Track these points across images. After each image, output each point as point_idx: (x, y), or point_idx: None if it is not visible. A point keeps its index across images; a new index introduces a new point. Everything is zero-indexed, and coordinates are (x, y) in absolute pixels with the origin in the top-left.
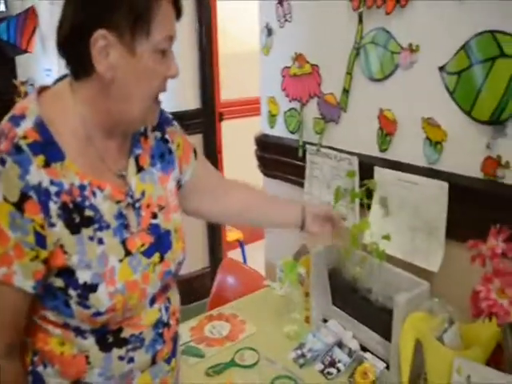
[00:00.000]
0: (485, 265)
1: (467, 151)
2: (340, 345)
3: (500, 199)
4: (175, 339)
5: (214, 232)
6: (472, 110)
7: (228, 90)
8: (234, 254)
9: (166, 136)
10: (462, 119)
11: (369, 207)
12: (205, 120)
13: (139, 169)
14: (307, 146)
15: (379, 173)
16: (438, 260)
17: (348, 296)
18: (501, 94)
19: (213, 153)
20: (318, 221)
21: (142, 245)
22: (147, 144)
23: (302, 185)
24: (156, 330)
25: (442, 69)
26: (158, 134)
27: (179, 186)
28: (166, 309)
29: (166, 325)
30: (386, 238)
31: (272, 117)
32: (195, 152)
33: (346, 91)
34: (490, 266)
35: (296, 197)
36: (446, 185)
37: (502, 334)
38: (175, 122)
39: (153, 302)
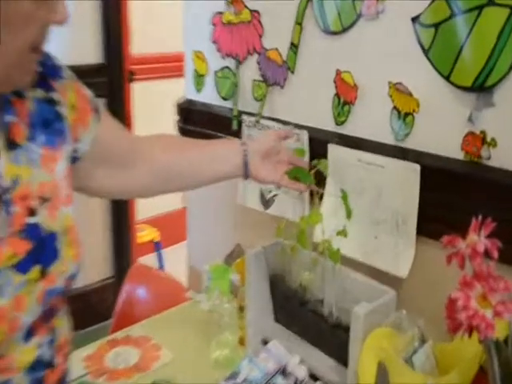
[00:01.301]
0: (464, 266)
1: (444, 125)
2: (284, 372)
3: (484, 185)
4: (63, 381)
5: (120, 230)
6: (451, 73)
7: (141, 42)
8: (148, 260)
9: (53, 95)
10: (439, 85)
11: (321, 196)
12: (109, 80)
13: (10, 144)
14: (244, 116)
15: (334, 151)
16: (407, 262)
17: (294, 310)
18: (488, 53)
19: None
20: (267, 160)
21: (13, 255)
22: (23, 108)
23: None
24: (34, 375)
25: (415, 20)
26: (40, 93)
27: (75, 159)
28: (50, 343)
29: (49, 365)
30: (342, 233)
31: (199, 78)
32: (97, 111)
33: (294, 46)
34: (470, 268)
35: (230, 182)
36: (417, 167)
37: (486, 354)
38: (66, 72)
39: (29, 335)
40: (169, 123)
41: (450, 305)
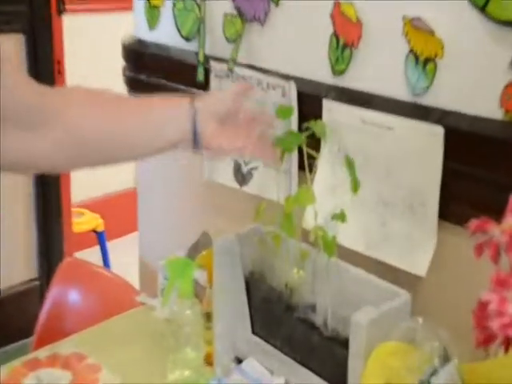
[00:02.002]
0: (497, 259)
1: (477, 74)
2: None
3: None
4: None
5: (49, 217)
6: (488, 2)
7: None
8: (88, 255)
9: None
10: (471, 19)
11: (312, 168)
12: (30, 9)
13: None
14: (212, 63)
15: (332, 110)
16: (425, 256)
17: (278, 318)
18: None
19: (46, 69)
20: (224, 125)
21: None
22: None
23: None
24: None
25: None
26: None
27: None
28: None
29: None
30: (340, 217)
31: (152, 10)
32: None
33: None
34: (506, 262)
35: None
36: (440, 130)
37: None
38: None
39: None
40: (112, 71)
41: (479, 310)
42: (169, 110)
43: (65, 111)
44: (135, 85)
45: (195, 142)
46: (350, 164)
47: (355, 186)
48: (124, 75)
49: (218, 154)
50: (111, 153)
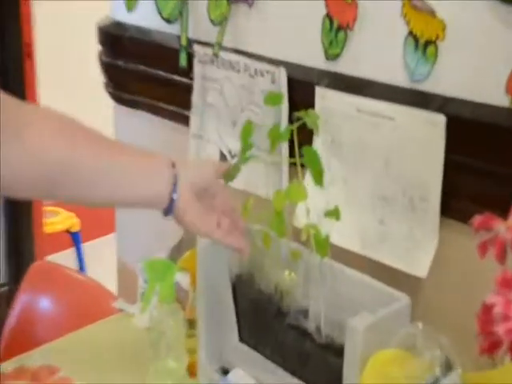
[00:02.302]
0: (503, 258)
1: (482, 58)
2: None
3: None
4: None
5: (18, 216)
6: None
7: None
8: (62, 258)
9: None
10: None
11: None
12: None
13: None
14: (196, 47)
15: (325, 98)
16: (426, 256)
17: (267, 324)
18: None
19: (14, 52)
20: (200, 201)
21: None
22: None
23: (186, 120)
24: None
25: None
26: None
27: None
28: None
29: None
30: (334, 214)
31: None
32: None
33: None
34: None
35: (175, 143)
36: (442, 119)
37: None
38: None
39: None
40: (88, 56)
41: (483, 314)
42: (147, 166)
43: (34, 130)
44: (112, 71)
45: (168, 208)
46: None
47: (318, 177)
48: (100, 60)
49: (187, 229)
50: (73, 192)
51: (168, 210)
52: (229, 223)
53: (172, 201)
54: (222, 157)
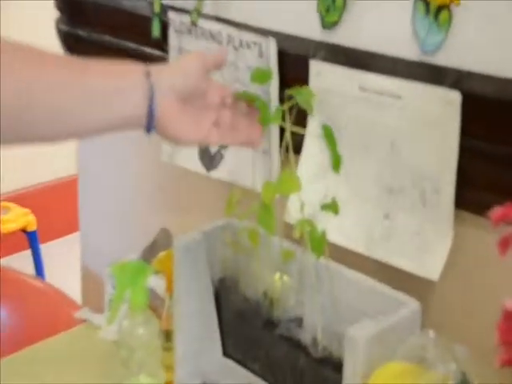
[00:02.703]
0: None
1: (505, 25)
2: None
3: None
4: None
5: None
6: None
7: None
8: (16, 261)
9: None
10: None
11: (297, 147)
12: None
13: None
14: (171, 14)
15: (321, 74)
16: (439, 256)
17: (255, 336)
18: None
19: None
20: (187, 106)
21: None
22: None
23: None
24: None
25: None
26: None
27: None
28: None
29: None
30: (332, 208)
31: None
32: None
33: None
34: None
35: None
36: (456, 97)
37: None
38: None
39: None
40: (43, 24)
41: (504, 321)
42: (118, 79)
43: None
44: (72, 42)
45: (148, 123)
46: (327, 133)
47: (336, 162)
48: (57, 29)
49: (175, 143)
50: (38, 128)
51: (148, 127)
52: (231, 115)
53: (151, 115)
54: (204, 151)
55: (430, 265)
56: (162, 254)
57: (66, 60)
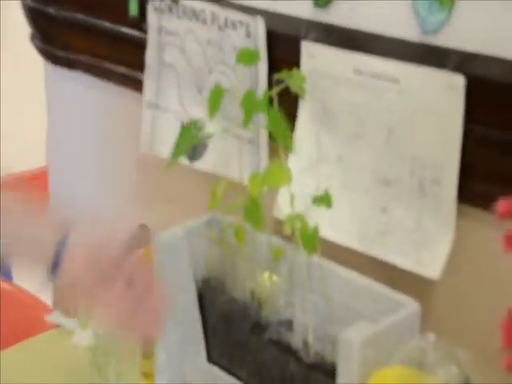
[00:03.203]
0: None
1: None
2: None
3: None
4: None
5: None
6: None
7: None
8: None
9: None
10: None
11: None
12: None
13: None
14: None
15: (314, 56)
16: (440, 253)
17: (242, 340)
18: None
19: None
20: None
21: None
22: None
23: (138, 85)
24: None
25: None
26: None
27: None
28: None
29: None
30: (324, 201)
31: None
32: None
33: None
34: None
35: (125, 113)
36: (460, 80)
37: None
38: None
39: None
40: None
41: (508, 323)
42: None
43: None
44: (41, 20)
45: (52, 271)
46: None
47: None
48: (24, 6)
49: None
50: None
51: (51, 274)
52: (133, 300)
53: (56, 265)
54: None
55: (429, 262)
56: (140, 251)
57: None
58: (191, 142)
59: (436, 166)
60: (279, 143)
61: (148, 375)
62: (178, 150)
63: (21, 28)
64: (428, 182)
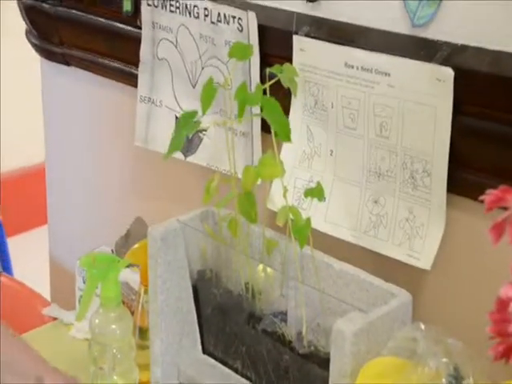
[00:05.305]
0: None
1: None
2: None
3: None
4: None
5: None
6: None
7: None
8: None
9: None
10: None
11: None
12: None
13: None
14: None
15: (305, 50)
16: (431, 244)
17: (237, 332)
18: None
19: None
20: None
21: None
22: None
23: (132, 80)
24: None
25: None
26: None
27: None
28: None
29: None
30: (317, 194)
31: None
32: None
33: None
34: None
35: (119, 108)
36: (449, 73)
37: None
38: None
39: None
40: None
41: (497, 311)
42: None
43: None
44: (36, 16)
45: None
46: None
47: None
48: (19, 4)
49: None
50: None
51: None
52: None
53: None
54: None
55: (421, 253)
56: (136, 245)
57: None
58: (191, 130)
59: (426, 158)
60: (275, 130)
61: (143, 366)
62: (177, 138)
63: (19, 25)
64: (419, 174)
